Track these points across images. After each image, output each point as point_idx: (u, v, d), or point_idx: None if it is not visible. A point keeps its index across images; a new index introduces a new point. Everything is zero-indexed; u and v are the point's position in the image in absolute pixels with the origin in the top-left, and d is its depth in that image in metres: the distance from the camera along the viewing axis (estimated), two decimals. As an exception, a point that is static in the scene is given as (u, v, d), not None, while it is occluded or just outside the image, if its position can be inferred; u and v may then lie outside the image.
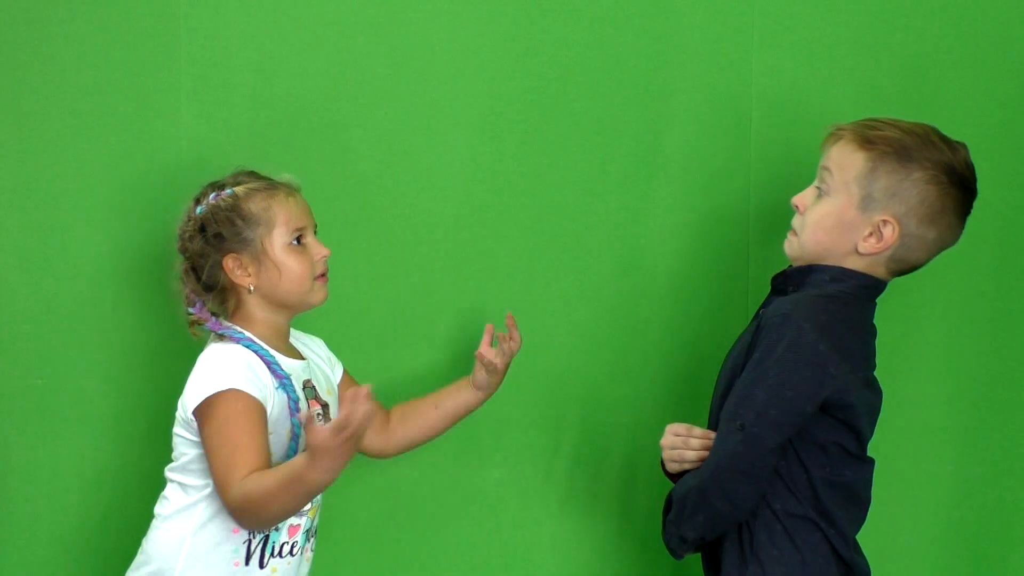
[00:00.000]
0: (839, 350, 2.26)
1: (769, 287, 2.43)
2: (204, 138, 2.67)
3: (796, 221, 2.38)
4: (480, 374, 2.59)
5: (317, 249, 2.45)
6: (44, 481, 2.71)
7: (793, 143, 2.68)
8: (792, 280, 2.37)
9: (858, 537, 2.40)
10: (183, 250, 2.44)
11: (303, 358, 2.48)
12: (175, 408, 2.66)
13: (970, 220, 2.61)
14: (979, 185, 2.61)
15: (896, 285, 2.67)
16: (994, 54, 2.70)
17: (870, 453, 2.41)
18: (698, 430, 2.39)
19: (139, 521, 2.69)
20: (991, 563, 2.78)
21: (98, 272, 2.69)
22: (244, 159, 2.66)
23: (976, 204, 2.61)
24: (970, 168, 2.36)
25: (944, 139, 2.35)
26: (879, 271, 2.36)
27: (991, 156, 2.69)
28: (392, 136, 2.70)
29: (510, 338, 2.58)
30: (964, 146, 2.36)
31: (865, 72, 2.69)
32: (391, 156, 2.70)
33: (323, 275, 2.45)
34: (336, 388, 2.54)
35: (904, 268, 2.39)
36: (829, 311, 2.29)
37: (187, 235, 2.43)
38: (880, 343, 2.66)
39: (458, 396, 2.61)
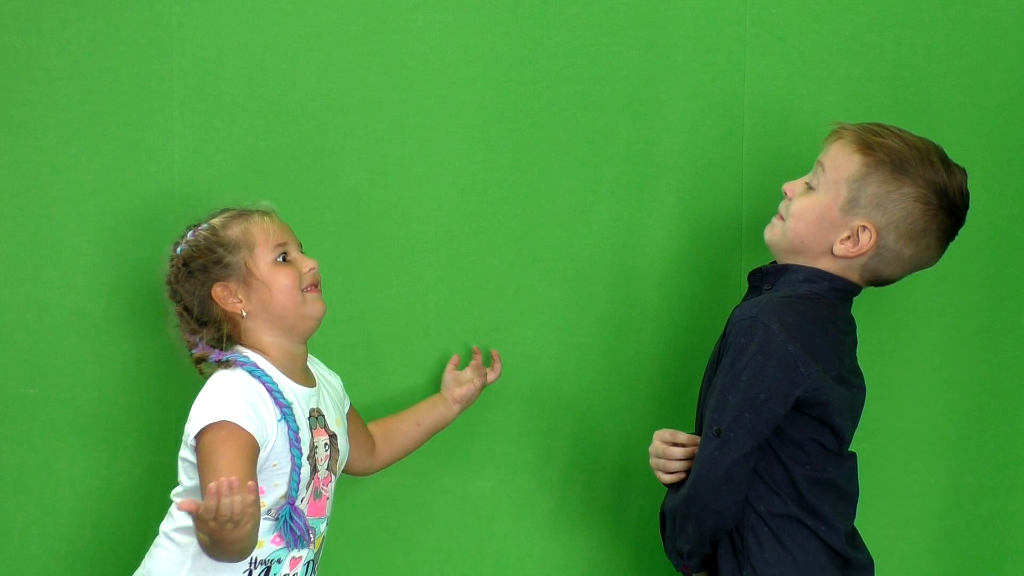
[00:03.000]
0: (809, 349, 2.27)
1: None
2: (196, 147, 2.68)
3: (783, 207, 2.39)
4: (464, 390, 2.66)
5: (303, 262, 2.45)
6: (36, 490, 2.71)
7: (785, 152, 2.68)
8: (768, 278, 2.38)
9: (853, 544, 2.42)
10: (173, 294, 2.44)
11: (315, 384, 2.48)
12: (167, 417, 2.68)
13: (964, 230, 2.60)
14: (972, 194, 2.61)
15: (890, 295, 2.67)
16: (985, 63, 2.69)
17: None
18: (683, 436, 2.41)
19: (130, 531, 2.70)
20: (985, 573, 2.77)
21: (91, 282, 2.70)
22: (236, 168, 2.68)
23: (969, 214, 2.60)
24: (963, 195, 2.35)
25: (944, 161, 2.34)
26: (853, 276, 2.36)
27: (983, 165, 2.69)
28: (384, 145, 2.70)
29: (492, 369, 2.71)
30: (964, 172, 2.35)
31: (857, 81, 2.69)
32: (383, 165, 2.71)
33: (314, 286, 2.45)
34: (345, 420, 2.55)
35: (877, 280, 2.39)
36: (797, 311, 2.29)
37: (173, 277, 2.44)
38: (875, 352, 2.67)
39: (435, 412, 2.67)
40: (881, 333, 2.73)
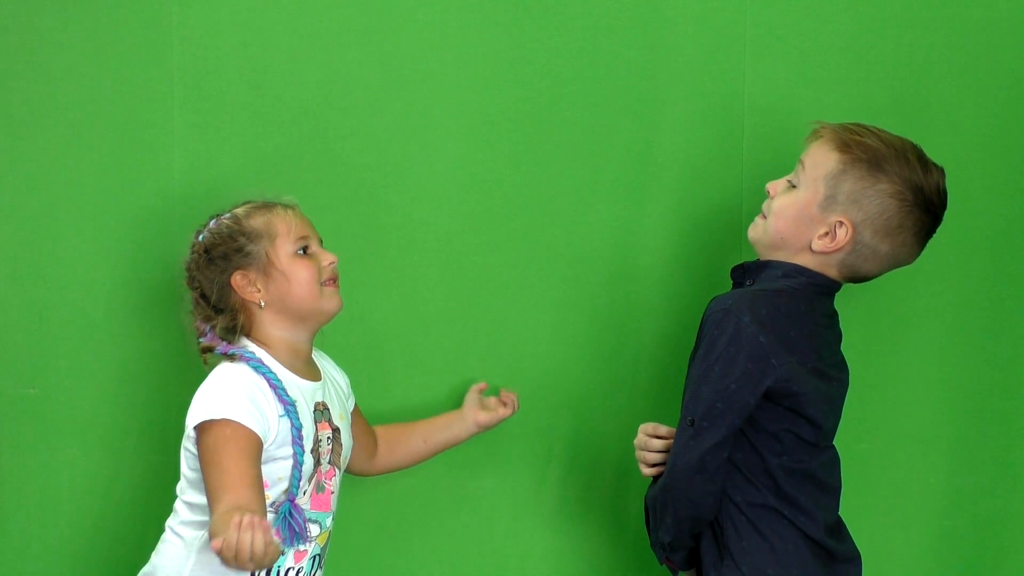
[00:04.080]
0: (782, 341, 2.30)
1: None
2: (196, 147, 2.68)
3: (766, 205, 2.43)
4: (489, 417, 2.64)
5: (324, 256, 2.46)
6: (36, 491, 2.71)
7: (785, 152, 2.68)
8: (750, 274, 2.43)
9: (852, 543, 2.43)
10: (191, 281, 2.46)
11: (320, 378, 2.48)
12: (168, 417, 2.68)
13: (964, 230, 2.62)
14: (972, 194, 2.62)
15: (890, 295, 2.68)
16: (985, 64, 2.70)
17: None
18: (664, 429, 2.45)
19: (131, 531, 2.70)
20: (984, 572, 2.78)
21: (91, 281, 2.69)
22: (236, 168, 2.68)
23: (969, 214, 2.62)
24: (939, 193, 2.38)
25: (921, 159, 2.37)
26: (831, 272, 2.40)
27: (982, 166, 2.69)
28: (385, 145, 2.70)
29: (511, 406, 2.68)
30: (941, 171, 2.38)
31: (856, 81, 2.69)
32: (384, 165, 2.71)
33: (332, 281, 2.46)
34: (349, 416, 2.55)
35: (855, 276, 2.42)
36: (771, 304, 2.33)
37: (193, 264, 2.45)
38: (874, 352, 2.68)
39: (449, 431, 2.66)
40: (881, 333, 2.74)
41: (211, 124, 2.67)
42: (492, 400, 2.68)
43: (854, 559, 2.42)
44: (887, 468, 2.75)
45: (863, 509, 2.65)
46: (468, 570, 2.77)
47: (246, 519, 2.10)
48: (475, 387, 2.69)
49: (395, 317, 2.73)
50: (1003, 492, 2.78)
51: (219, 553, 2.12)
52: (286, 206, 2.47)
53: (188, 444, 2.38)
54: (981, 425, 2.77)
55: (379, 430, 2.65)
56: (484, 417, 2.65)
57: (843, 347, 2.46)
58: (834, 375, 2.40)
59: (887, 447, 2.75)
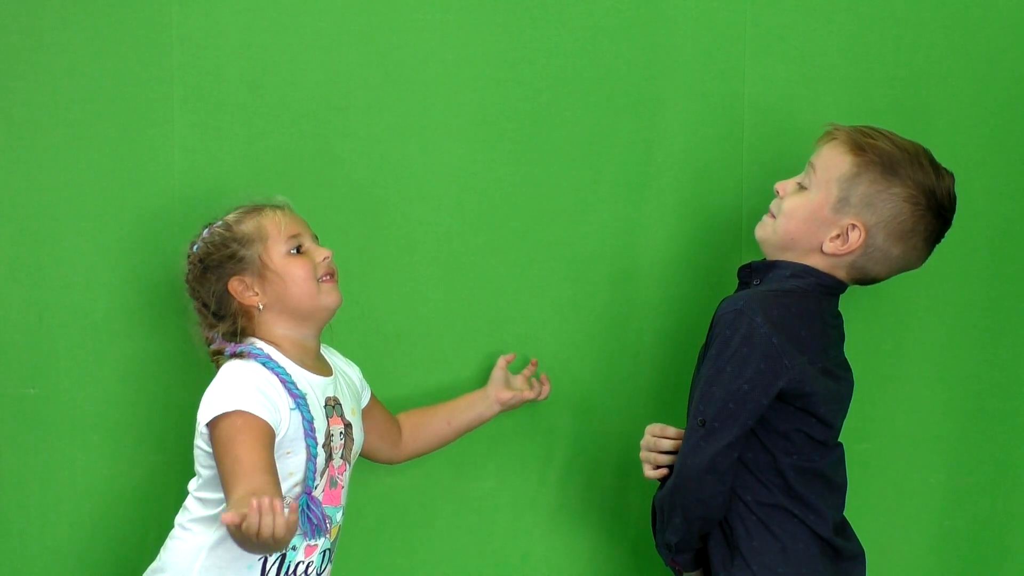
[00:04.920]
0: (793, 341, 2.30)
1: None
2: (196, 147, 2.68)
3: (774, 205, 2.43)
4: (512, 396, 2.66)
5: (317, 252, 2.46)
6: (36, 491, 2.71)
7: (786, 152, 2.68)
8: (757, 274, 2.43)
9: (853, 543, 2.43)
10: (192, 292, 2.46)
11: (331, 373, 2.48)
12: (168, 417, 2.68)
13: (964, 230, 2.61)
14: (972, 195, 2.62)
15: (890, 295, 2.68)
16: (985, 64, 2.70)
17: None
18: (672, 430, 2.45)
19: (131, 531, 2.70)
20: (984, 572, 2.78)
21: (91, 281, 2.70)
22: (236, 168, 2.68)
23: (969, 214, 2.62)
24: (951, 198, 2.38)
25: (933, 163, 2.38)
26: (839, 273, 2.40)
27: (983, 165, 2.70)
28: (384, 145, 2.70)
29: (539, 386, 2.70)
30: (951, 176, 2.39)
31: (857, 81, 2.69)
32: (384, 165, 2.71)
33: (330, 276, 2.46)
34: (360, 410, 2.55)
35: (863, 278, 2.42)
36: (782, 305, 2.33)
37: (191, 275, 2.46)
38: (875, 352, 2.68)
39: (472, 410, 2.66)
40: (881, 333, 2.74)
41: (211, 124, 2.67)
42: (518, 379, 2.69)
43: (858, 556, 2.42)
44: (887, 468, 2.75)
45: (864, 509, 2.64)
46: (468, 570, 2.77)
47: (265, 501, 2.09)
48: (502, 360, 2.69)
49: (395, 317, 2.73)
50: (1003, 492, 2.78)
51: (237, 527, 2.11)
52: (275, 207, 2.47)
53: (201, 443, 2.37)
54: (981, 425, 2.77)
55: (402, 416, 2.65)
56: (506, 396, 2.66)
57: (845, 347, 2.46)
58: (841, 374, 2.40)
59: (887, 447, 2.75)
